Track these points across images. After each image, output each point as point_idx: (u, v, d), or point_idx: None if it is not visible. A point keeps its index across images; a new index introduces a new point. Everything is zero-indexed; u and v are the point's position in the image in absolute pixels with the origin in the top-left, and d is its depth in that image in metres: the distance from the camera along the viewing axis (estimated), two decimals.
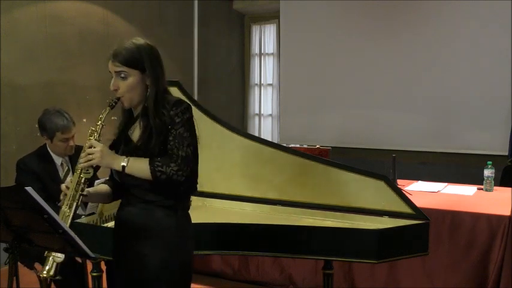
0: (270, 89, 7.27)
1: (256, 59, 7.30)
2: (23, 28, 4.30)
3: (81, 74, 4.81)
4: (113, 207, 2.78)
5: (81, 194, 1.82)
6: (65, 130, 2.96)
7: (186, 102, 1.88)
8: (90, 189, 1.94)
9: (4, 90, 4.14)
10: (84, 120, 4.80)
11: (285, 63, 6.57)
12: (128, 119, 1.98)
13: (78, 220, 2.49)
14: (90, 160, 1.79)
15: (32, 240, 1.78)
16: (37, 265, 3.01)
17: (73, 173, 3.04)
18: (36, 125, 4.20)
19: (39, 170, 2.96)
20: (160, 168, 1.77)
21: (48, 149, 3.05)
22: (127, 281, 1.91)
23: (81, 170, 1.82)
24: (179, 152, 1.80)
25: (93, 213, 2.72)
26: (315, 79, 6.30)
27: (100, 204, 2.67)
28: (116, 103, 1.87)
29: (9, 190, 1.60)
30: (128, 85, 1.84)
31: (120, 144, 1.94)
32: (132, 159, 1.81)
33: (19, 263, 2.23)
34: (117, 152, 1.91)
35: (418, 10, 5.67)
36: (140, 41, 1.89)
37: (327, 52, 6.21)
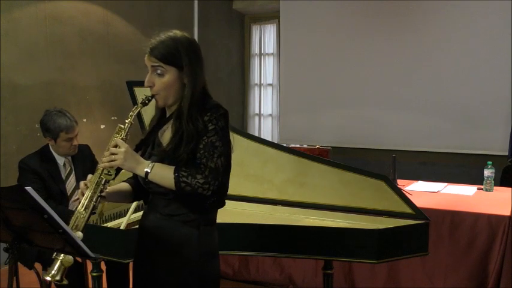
0: (270, 89, 7.27)
1: (256, 59, 7.30)
2: (23, 28, 4.30)
3: (81, 74, 4.81)
4: (113, 207, 2.79)
5: (99, 196, 1.71)
6: (69, 130, 2.96)
7: (223, 109, 1.72)
8: (109, 188, 1.80)
9: (4, 90, 4.14)
10: (84, 120, 4.81)
11: (285, 63, 6.57)
12: (160, 118, 1.83)
13: None
14: (112, 161, 1.66)
15: (32, 240, 1.78)
16: (37, 265, 3.02)
17: (75, 174, 3.06)
18: (37, 125, 4.20)
19: (40, 170, 2.96)
20: (185, 179, 1.63)
21: (51, 149, 3.05)
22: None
23: (102, 170, 1.69)
24: (208, 163, 1.65)
25: (93, 213, 2.71)
26: (315, 79, 6.30)
27: (100, 204, 2.67)
28: (149, 101, 1.75)
29: (9, 190, 1.60)
30: (163, 83, 1.71)
31: (148, 144, 1.82)
32: (157, 165, 1.67)
33: (19, 263, 2.23)
34: (143, 153, 1.80)
35: (419, 10, 5.68)
36: (178, 34, 1.75)
37: (327, 52, 6.21)
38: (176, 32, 1.76)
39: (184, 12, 6.06)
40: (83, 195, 1.72)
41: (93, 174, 1.74)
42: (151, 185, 1.73)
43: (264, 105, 7.31)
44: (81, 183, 1.75)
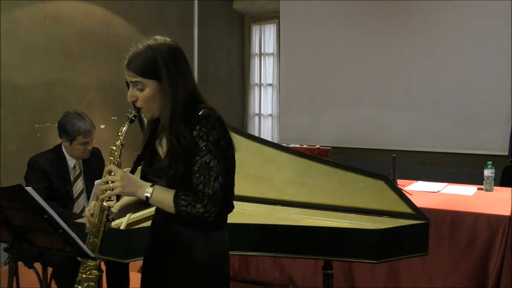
0: (270, 89, 7.26)
1: (256, 59, 7.30)
2: (23, 28, 4.30)
3: (81, 74, 4.81)
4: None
5: (106, 220, 1.69)
6: (87, 134, 2.98)
7: (214, 116, 1.63)
8: (117, 206, 1.76)
9: (4, 90, 4.14)
10: None
11: (285, 63, 6.57)
12: (155, 128, 1.75)
13: (78, 220, 2.49)
14: (111, 190, 1.62)
15: (32, 240, 1.78)
16: (37, 265, 3.02)
17: (84, 177, 3.05)
18: (37, 125, 4.21)
19: (49, 169, 2.96)
20: (184, 208, 1.61)
21: (64, 150, 3.05)
22: None
23: (103, 200, 1.66)
24: (205, 190, 1.60)
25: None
26: (315, 79, 6.30)
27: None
28: (135, 117, 1.68)
29: (9, 190, 1.60)
30: (144, 96, 1.64)
31: (146, 158, 1.75)
32: (156, 189, 1.64)
33: (19, 262, 2.24)
34: (146, 163, 1.75)
35: (419, 10, 5.68)
36: (158, 41, 1.66)
37: (327, 52, 6.21)
38: (156, 39, 1.67)
39: (184, 12, 6.06)
40: (90, 223, 1.70)
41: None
42: (162, 183, 1.69)
43: (264, 105, 7.30)
44: (87, 212, 1.72)
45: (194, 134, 1.60)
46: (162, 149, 1.73)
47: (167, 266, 1.75)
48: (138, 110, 1.67)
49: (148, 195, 1.63)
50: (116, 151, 1.68)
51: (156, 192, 1.64)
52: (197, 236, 1.70)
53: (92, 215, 1.69)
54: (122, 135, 1.69)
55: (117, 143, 1.69)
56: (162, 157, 1.70)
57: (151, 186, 1.65)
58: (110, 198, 1.66)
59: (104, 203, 1.66)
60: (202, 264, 1.71)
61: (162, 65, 1.62)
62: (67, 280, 2.73)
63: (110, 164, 1.67)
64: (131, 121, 1.69)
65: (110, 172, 1.64)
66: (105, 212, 1.67)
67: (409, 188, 3.80)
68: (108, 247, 2.27)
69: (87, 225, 1.71)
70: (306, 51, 6.35)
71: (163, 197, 1.64)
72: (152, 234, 1.83)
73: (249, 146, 2.74)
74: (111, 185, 1.62)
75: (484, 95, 5.40)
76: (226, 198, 1.73)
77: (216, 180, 1.61)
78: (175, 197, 1.62)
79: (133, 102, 1.67)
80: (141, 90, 1.64)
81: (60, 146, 3.07)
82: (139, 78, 1.63)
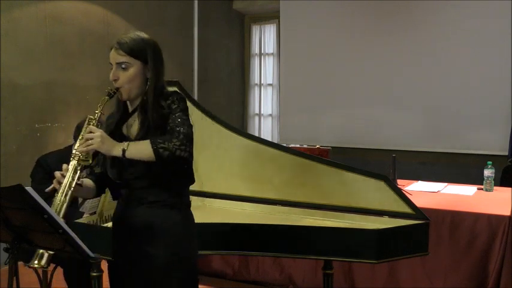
0: (270, 89, 7.26)
1: (256, 59, 7.30)
2: (23, 28, 4.30)
3: (81, 74, 4.81)
4: (113, 207, 2.78)
5: (77, 183, 1.77)
6: None
7: (181, 95, 1.87)
8: (84, 184, 1.88)
9: (4, 90, 4.14)
10: None
11: (285, 63, 6.57)
12: (122, 115, 1.94)
13: (78, 220, 2.49)
14: (90, 145, 1.73)
15: (32, 240, 1.78)
16: None
17: None
18: (37, 125, 4.21)
19: (57, 170, 2.95)
20: (162, 145, 1.72)
21: None
22: (135, 281, 1.89)
23: (80, 156, 1.76)
24: (180, 129, 1.76)
25: (94, 213, 2.72)
26: (315, 79, 6.30)
27: (100, 203, 2.68)
28: (114, 93, 1.85)
29: (9, 190, 1.59)
30: (128, 76, 1.83)
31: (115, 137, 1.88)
32: (131, 143, 1.77)
33: (19, 261, 2.23)
34: None
35: (419, 10, 5.68)
36: (144, 34, 1.91)
37: (327, 52, 6.21)
38: (143, 33, 1.91)
39: (184, 12, 6.06)
40: (59, 183, 1.76)
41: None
42: (129, 177, 1.83)
43: (264, 105, 7.31)
44: (57, 173, 1.79)
45: (168, 102, 1.82)
46: (129, 130, 1.89)
47: (145, 248, 1.83)
48: (117, 88, 1.84)
49: (124, 147, 1.75)
50: (94, 119, 1.83)
51: (131, 145, 1.76)
52: (172, 213, 1.84)
53: (63, 176, 1.76)
54: (101, 107, 1.83)
55: (96, 111, 1.83)
56: (131, 136, 1.86)
57: (126, 142, 1.78)
58: (86, 157, 1.76)
59: (80, 161, 1.75)
60: (180, 241, 1.85)
61: (150, 51, 1.85)
62: (75, 279, 2.75)
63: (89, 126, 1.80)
64: (110, 96, 1.84)
65: (89, 132, 1.76)
66: (78, 173, 1.76)
67: (409, 188, 3.80)
68: (108, 247, 2.27)
69: (55, 186, 1.77)
70: (306, 51, 6.35)
71: (139, 146, 1.75)
72: (120, 223, 1.93)
73: (249, 146, 2.74)
74: (90, 141, 1.74)
75: (484, 95, 5.40)
76: (189, 173, 1.90)
77: (189, 128, 1.79)
78: (152, 140, 1.74)
79: (114, 82, 1.84)
80: (125, 69, 1.83)
81: (72, 147, 3.06)
82: (126, 58, 1.83)
